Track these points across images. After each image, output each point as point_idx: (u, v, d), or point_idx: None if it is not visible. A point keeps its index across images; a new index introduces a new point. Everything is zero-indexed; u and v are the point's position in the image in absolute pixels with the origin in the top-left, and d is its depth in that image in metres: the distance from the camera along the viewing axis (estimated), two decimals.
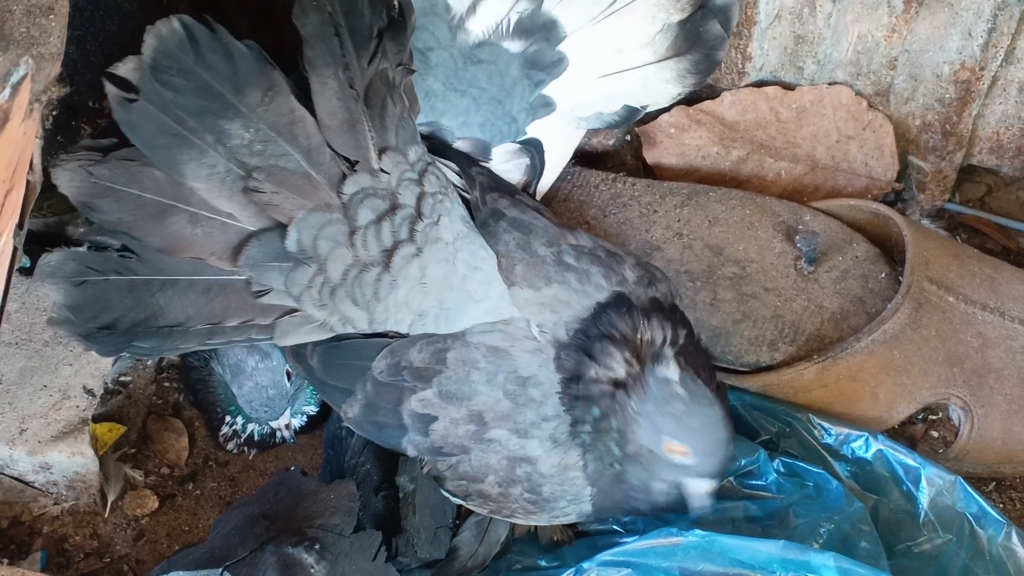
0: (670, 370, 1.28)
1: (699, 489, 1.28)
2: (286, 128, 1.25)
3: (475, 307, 1.32)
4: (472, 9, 1.48)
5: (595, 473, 1.31)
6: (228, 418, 1.55)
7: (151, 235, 1.24)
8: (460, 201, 1.37)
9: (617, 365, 1.29)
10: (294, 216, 1.26)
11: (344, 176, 1.28)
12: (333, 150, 1.27)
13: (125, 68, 1.20)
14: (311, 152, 1.26)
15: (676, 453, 1.26)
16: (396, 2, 1.32)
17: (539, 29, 1.50)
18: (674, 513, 1.36)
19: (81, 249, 1.24)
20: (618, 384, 1.29)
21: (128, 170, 1.22)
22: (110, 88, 1.20)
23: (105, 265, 1.24)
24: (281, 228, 1.27)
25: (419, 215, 1.31)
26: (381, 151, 1.30)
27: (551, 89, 1.53)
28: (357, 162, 1.28)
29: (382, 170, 1.30)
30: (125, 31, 1.47)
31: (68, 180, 1.21)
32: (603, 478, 1.31)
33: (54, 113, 1.25)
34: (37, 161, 1.17)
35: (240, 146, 1.24)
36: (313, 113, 1.27)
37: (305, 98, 1.27)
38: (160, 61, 1.20)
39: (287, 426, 1.51)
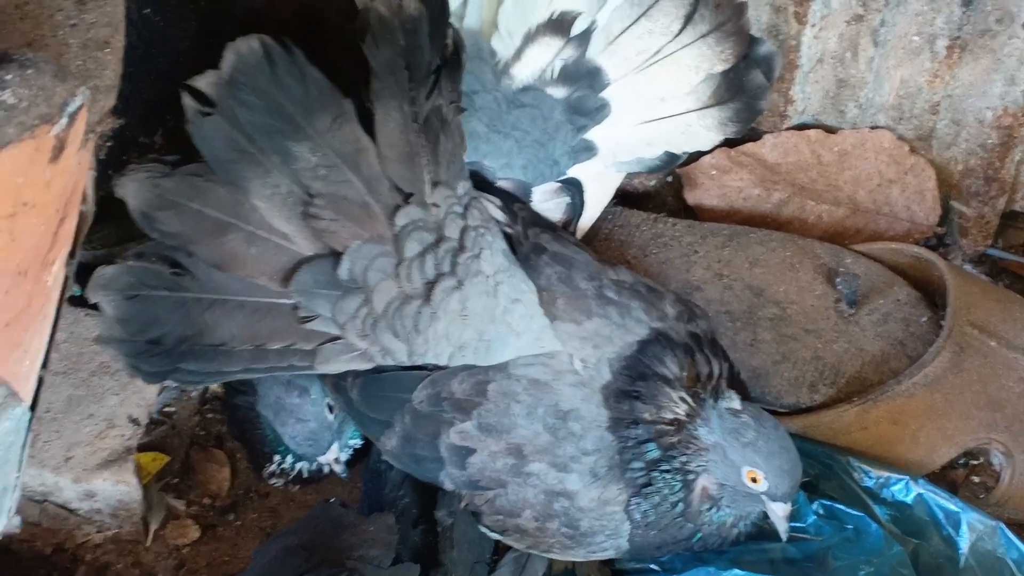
0: (734, 402, 1.29)
1: (782, 512, 1.30)
2: (351, 156, 1.27)
3: (516, 340, 1.32)
4: (518, 55, 1.49)
5: (650, 516, 1.31)
6: (277, 457, 1.55)
7: (208, 251, 1.25)
8: (502, 235, 1.37)
9: (674, 405, 1.30)
10: (349, 245, 1.27)
11: (397, 208, 1.29)
12: (390, 181, 1.29)
13: (204, 81, 1.21)
14: (372, 182, 1.28)
15: (756, 481, 1.27)
16: (451, 41, 1.34)
17: (583, 76, 1.51)
18: (732, 550, 1.37)
19: (136, 264, 1.26)
20: (679, 424, 1.30)
21: (193, 185, 1.24)
22: (187, 100, 1.21)
23: (157, 281, 1.25)
24: (334, 256, 1.27)
25: (461, 248, 1.31)
26: (435, 184, 1.31)
27: (593, 134, 1.54)
28: (411, 194, 1.30)
29: (434, 204, 1.31)
30: (176, 69, 1.49)
31: (135, 191, 1.23)
32: (660, 519, 1.31)
33: (108, 145, 1.27)
34: (90, 192, 1.18)
35: (305, 169, 1.25)
36: (374, 143, 1.28)
37: (367, 129, 1.28)
38: (237, 78, 1.21)
39: (336, 460, 1.50)
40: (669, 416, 1.30)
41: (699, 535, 1.33)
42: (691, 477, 1.30)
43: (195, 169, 1.24)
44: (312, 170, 1.25)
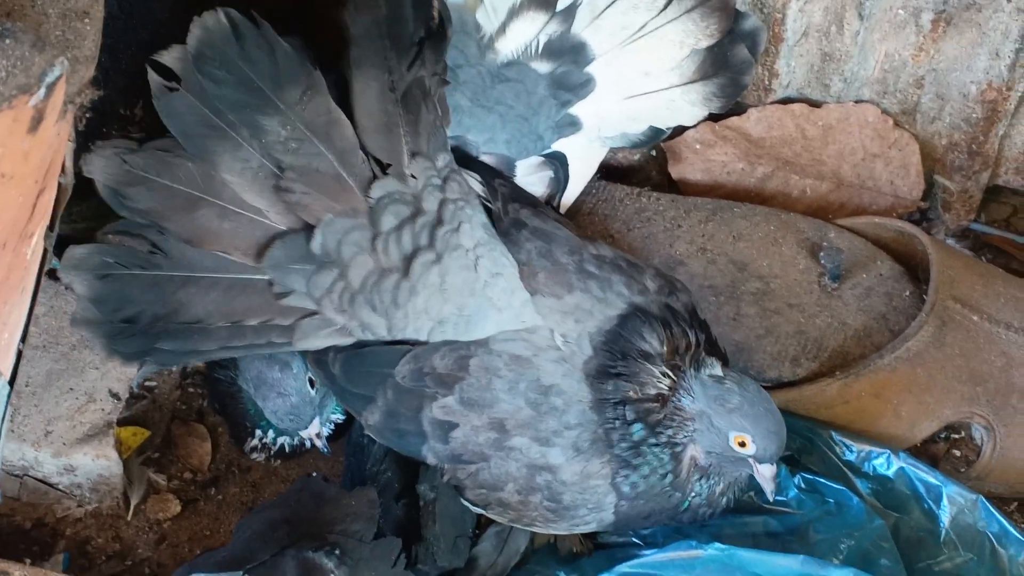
0: (716, 368, 1.30)
1: (769, 473, 1.31)
2: (322, 128, 1.26)
3: (497, 314, 1.32)
4: (502, 29, 1.49)
5: (639, 487, 1.32)
6: (258, 432, 1.55)
7: (180, 226, 1.25)
8: (482, 209, 1.37)
9: (656, 380, 1.30)
10: (322, 219, 1.27)
11: (373, 180, 1.29)
12: (366, 152, 1.28)
13: (169, 56, 1.21)
14: (344, 154, 1.27)
15: (744, 445, 1.28)
16: (436, 13, 1.33)
17: (568, 51, 1.50)
18: (710, 522, 1.38)
19: (107, 243, 1.25)
20: (663, 398, 1.30)
21: (162, 160, 1.23)
22: (152, 75, 1.21)
23: (130, 259, 1.25)
24: (307, 229, 1.27)
25: (440, 221, 1.31)
26: (412, 155, 1.31)
27: (577, 109, 1.54)
28: (389, 165, 1.29)
29: (412, 175, 1.31)
30: (157, 40, 1.48)
31: (102, 166, 1.22)
32: (650, 490, 1.32)
33: (87, 116, 1.26)
34: (69, 164, 1.18)
35: (275, 142, 1.25)
36: (350, 114, 1.28)
37: (340, 99, 1.28)
38: (204, 52, 1.21)
39: (318, 435, 1.50)
40: (653, 392, 1.30)
41: (687, 503, 1.34)
42: (679, 449, 1.31)
43: (163, 144, 1.24)
44: (282, 143, 1.25)
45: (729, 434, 1.28)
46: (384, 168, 1.29)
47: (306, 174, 1.26)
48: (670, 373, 1.31)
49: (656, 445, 1.31)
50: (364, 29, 1.26)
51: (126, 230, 1.26)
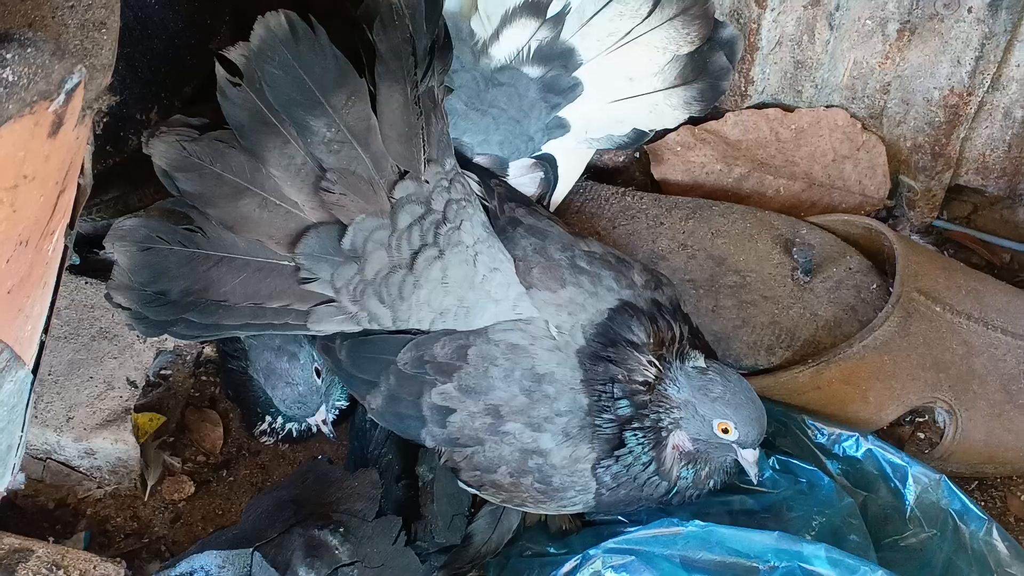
0: (699, 360, 1.30)
1: (752, 457, 1.31)
2: (362, 133, 1.26)
3: (494, 306, 1.32)
4: (496, 36, 1.48)
5: (621, 475, 1.32)
6: (268, 417, 1.55)
7: (223, 212, 1.24)
8: (481, 208, 1.37)
9: (643, 368, 1.30)
10: (355, 219, 1.27)
11: (395, 183, 1.28)
12: (391, 159, 1.28)
13: (235, 53, 1.20)
14: (378, 159, 1.27)
15: (727, 431, 1.28)
16: (442, 25, 1.33)
17: (557, 56, 1.50)
18: (684, 507, 1.38)
19: (153, 218, 1.24)
20: (649, 385, 1.30)
21: (217, 150, 1.23)
22: (219, 69, 1.20)
23: (172, 236, 1.24)
24: (339, 225, 1.27)
25: (444, 220, 1.31)
26: (427, 162, 1.30)
27: (566, 112, 1.53)
28: (407, 172, 1.29)
29: (425, 180, 1.30)
30: (171, 49, 1.48)
31: (163, 151, 1.22)
32: (633, 478, 1.32)
33: (104, 120, 1.25)
34: (88, 166, 1.17)
35: (320, 142, 1.24)
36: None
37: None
38: (265, 51, 1.20)
39: (324, 421, 1.50)
40: (640, 379, 1.30)
41: (675, 490, 1.34)
42: (663, 435, 1.31)
43: (220, 135, 1.23)
44: (326, 144, 1.25)
45: (713, 421, 1.28)
46: (403, 174, 1.29)
47: (345, 176, 1.26)
48: (656, 363, 1.31)
49: (639, 429, 1.30)
50: (391, 47, 1.26)
51: (173, 207, 1.25)
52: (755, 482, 1.36)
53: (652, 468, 1.32)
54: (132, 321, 1.27)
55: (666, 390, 1.30)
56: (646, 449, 1.31)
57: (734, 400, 1.28)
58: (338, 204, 1.26)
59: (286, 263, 1.28)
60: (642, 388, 1.30)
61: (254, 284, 1.28)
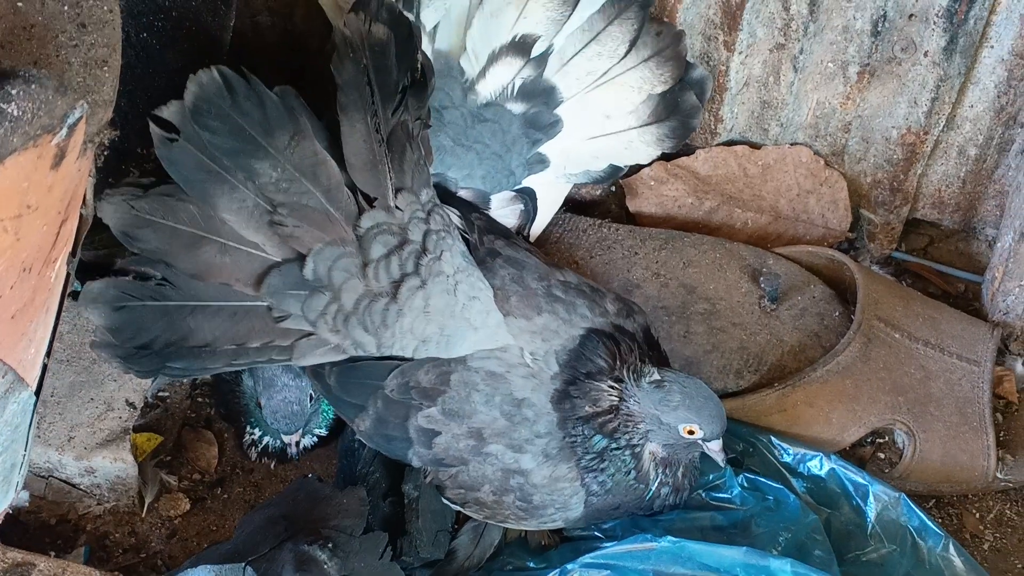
0: (654, 374, 1.30)
1: (717, 447, 1.32)
2: (309, 169, 1.25)
3: (474, 334, 1.31)
4: (483, 73, 1.48)
5: (607, 484, 1.32)
6: (249, 428, 1.54)
7: (185, 262, 1.24)
8: (461, 240, 1.36)
9: (607, 394, 1.30)
10: (312, 248, 1.26)
11: (361, 212, 1.27)
12: (355, 187, 1.27)
13: (168, 111, 1.20)
14: (331, 191, 1.26)
15: (693, 432, 1.29)
16: (420, 65, 1.32)
17: (540, 94, 1.50)
18: (665, 515, 1.38)
19: (122, 278, 1.24)
20: (615, 408, 1.30)
21: (166, 204, 1.22)
22: (154, 128, 1.20)
23: (142, 292, 1.23)
24: (300, 259, 1.26)
25: (424, 250, 1.30)
26: (398, 190, 1.30)
27: (546, 147, 1.53)
28: (375, 199, 1.28)
29: (397, 207, 1.29)
30: (171, 87, 1.47)
31: (112, 212, 1.21)
32: (617, 486, 1.32)
33: (105, 154, 1.24)
34: (89, 197, 1.16)
35: (268, 184, 1.23)
36: (340, 154, 1.26)
37: (335, 140, 1.26)
38: (200, 105, 1.20)
39: (296, 443, 1.50)
40: (606, 405, 1.30)
41: (651, 492, 1.34)
42: (638, 449, 1.31)
43: (166, 190, 1.23)
44: (274, 184, 1.24)
45: (679, 427, 1.29)
46: (371, 201, 1.28)
47: (296, 209, 1.25)
48: (616, 385, 1.30)
49: (617, 449, 1.30)
50: (349, 77, 1.26)
51: (138, 263, 1.24)
52: (722, 466, 1.38)
53: (633, 475, 1.32)
54: (123, 368, 1.27)
55: (629, 409, 1.30)
56: (627, 463, 1.31)
57: (694, 404, 1.29)
58: (293, 236, 1.25)
59: (259, 303, 1.27)
60: (610, 414, 1.30)
61: (232, 328, 1.27)
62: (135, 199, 1.21)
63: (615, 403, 1.30)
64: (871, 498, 1.44)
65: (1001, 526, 1.55)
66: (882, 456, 1.57)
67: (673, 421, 1.29)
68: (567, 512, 1.33)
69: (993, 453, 1.52)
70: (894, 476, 1.53)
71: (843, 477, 1.46)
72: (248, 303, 1.26)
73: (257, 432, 1.54)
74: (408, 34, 1.31)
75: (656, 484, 1.34)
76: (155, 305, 1.24)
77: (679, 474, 1.35)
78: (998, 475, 1.54)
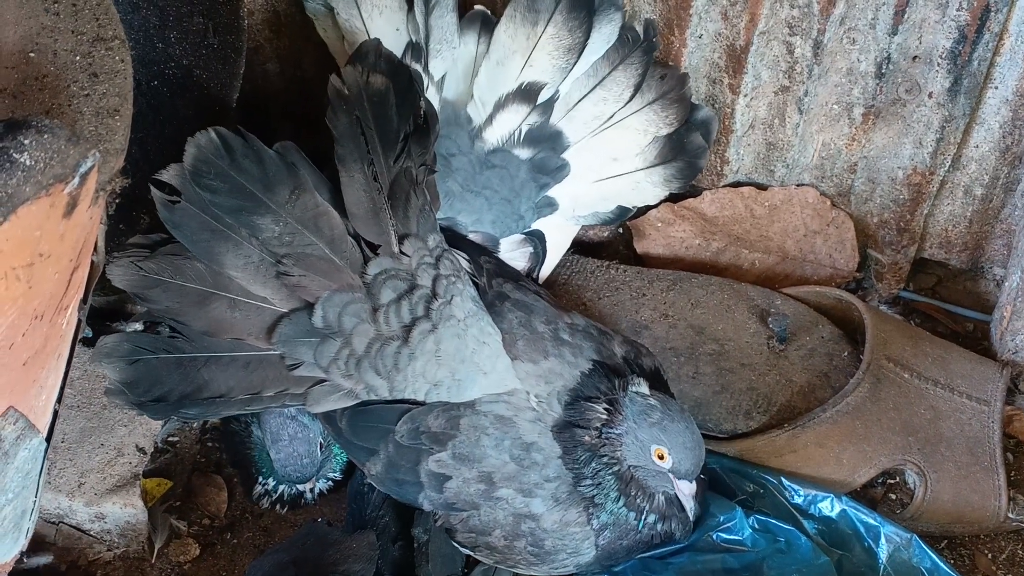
0: (643, 386, 1.28)
1: (688, 490, 1.28)
2: (311, 221, 1.26)
3: (484, 378, 1.31)
4: (490, 120, 1.49)
5: (607, 522, 1.30)
6: (261, 479, 1.54)
7: (195, 320, 1.24)
8: (471, 284, 1.36)
9: (600, 415, 1.29)
10: (320, 296, 1.26)
11: (367, 260, 1.28)
12: (358, 235, 1.28)
13: (168, 175, 1.22)
14: (334, 241, 1.27)
15: (662, 458, 1.26)
16: (422, 112, 1.33)
17: (547, 139, 1.51)
18: (675, 557, 1.37)
19: (135, 331, 1.24)
20: (604, 424, 1.28)
21: (173, 263, 1.23)
22: (156, 192, 1.21)
23: (155, 345, 1.24)
24: (309, 308, 1.26)
25: (434, 295, 1.30)
26: (403, 237, 1.30)
27: (555, 191, 1.54)
28: (379, 246, 1.28)
29: (403, 253, 1.30)
30: (182, 135, 1.48)
31: (120, 274, 1.23)
32: (614, 520, 1.30)
33: (117, 202, 1.25)
34: (101, 244, 1.17)
35: (271, 238, 1.24)
36: (341, 204, 1.27)
37: (339, 191, 1.27)
38: (199, 167, 1.22)
39: (311, 489, 1.50)
40: (598, 424, 1.29)
41: (642, 523, 1.31)
42: (616, 467, 1.29)
43: (172, 249, 1.24)
44: (278, 238, 1.25)
45: (650, 447, 1.26)
46: (375, 249, 1.28)
47: (301, 259, 1.26)
48: (610, 407, 1.29)
49: (601, 468, 1.29)
50: (344, 129, 1.27)
51: (145, 319, 1.26)
52: (691, 518, 1.32)
53: (622, 502, 1.30)
54: (137, 411, 1.28)
55: (612, 421, 1.28)
56: (611, 485, 1.29)
57: (672, 427, 1.26)
58: (300, 285, 1.26)
59: (272, 352, 1.27)
60: (598, 431, 1.29)
61: (246, 377, 1.27)
62: (142, 260, 1.23)
63: (605, 420, 1.29)
64: (883, 539, 1.43)
65: (1014, 566, 1.54)
66: (893, 497, 1.56)
67: (646, 438, 1.26)
68: (579, 557, 1.32)
69: (1004, 493, 1.51)
70: (906, 517, 1.52)
71: (854, 518, 1.44)
72: (261, 352, 1.27)
73: (271, 482, 1.53)
74: (408, 82, 1.32)
75: (644, 513, 1.31)
76: (169, 358, 1.25)
77: (660, 500, 1.31)
78: (1010, 515, 1.52)
